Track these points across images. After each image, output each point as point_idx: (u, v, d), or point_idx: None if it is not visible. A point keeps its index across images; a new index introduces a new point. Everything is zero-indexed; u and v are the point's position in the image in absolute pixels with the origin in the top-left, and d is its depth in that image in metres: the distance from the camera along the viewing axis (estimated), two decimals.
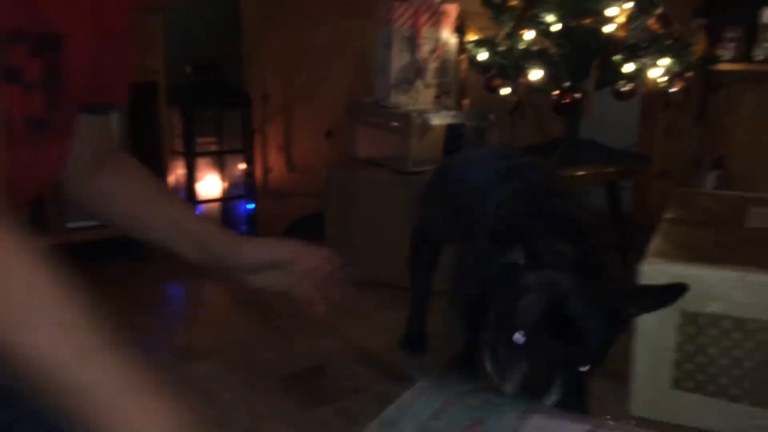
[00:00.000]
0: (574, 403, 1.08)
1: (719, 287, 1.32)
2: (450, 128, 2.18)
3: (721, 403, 1.35)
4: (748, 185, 2.15)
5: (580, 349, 0.89)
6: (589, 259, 0.96)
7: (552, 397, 0.89)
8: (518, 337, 0.89)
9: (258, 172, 2.59)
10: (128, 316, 1.95)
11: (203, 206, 2.44)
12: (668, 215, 1.68)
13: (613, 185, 2.40)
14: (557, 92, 2.11)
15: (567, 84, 2.11)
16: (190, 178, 2.39)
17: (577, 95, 2.10)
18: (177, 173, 2.44)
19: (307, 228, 2.63)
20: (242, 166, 2.51)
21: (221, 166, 2.47)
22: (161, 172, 2.39)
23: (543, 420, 0.86)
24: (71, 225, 2.18)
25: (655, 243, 1.48)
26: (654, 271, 1.34)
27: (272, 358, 1.70)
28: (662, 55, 2.08)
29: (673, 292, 0.99)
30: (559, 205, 1.13)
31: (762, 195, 1.87)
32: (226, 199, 2.50)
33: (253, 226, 2.55)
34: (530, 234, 0.99)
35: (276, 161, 2.69)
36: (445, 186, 1.50)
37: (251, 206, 2.53)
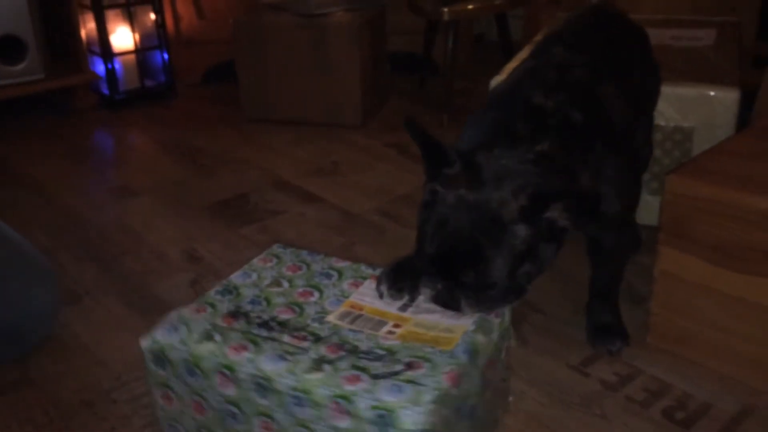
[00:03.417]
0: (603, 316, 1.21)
1: None
2: None
3: None
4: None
5: (472, 276, 0.89)
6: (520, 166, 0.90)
7: (467, 311, 0.93)
8: (424, 283, 0.95)
9: (168, 21, 2.67)
10: (62, 164, 2.12)
11: (119, 58, 2.53)
12: (539, 36, 1.88)
13: (503, 15, 2.60)
14: None
15: None
16: (102, 31, 2.46)
17: None
18: (88, 27, 2.50)
19: (222, 75, 2.77)
20: (152, 16, 2.58)
21: (131, 18, 2.53)
22: (72, 26, 2.45)
23: (373, 284, 1.00)
24: None
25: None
26: None
27: (199, 191, 1.92)
28: None
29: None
30: (550, 104, 0.98)
31: None
32: (140, 50, 2.58)
33: (170, 76, 2.66)
34: (479, 140, 0.95)
35: (185, 9, 2.77)
36: None
37: (166, 56, 2.63)
